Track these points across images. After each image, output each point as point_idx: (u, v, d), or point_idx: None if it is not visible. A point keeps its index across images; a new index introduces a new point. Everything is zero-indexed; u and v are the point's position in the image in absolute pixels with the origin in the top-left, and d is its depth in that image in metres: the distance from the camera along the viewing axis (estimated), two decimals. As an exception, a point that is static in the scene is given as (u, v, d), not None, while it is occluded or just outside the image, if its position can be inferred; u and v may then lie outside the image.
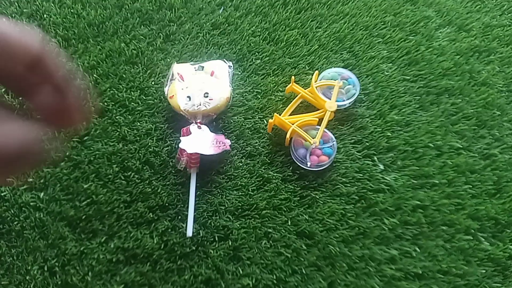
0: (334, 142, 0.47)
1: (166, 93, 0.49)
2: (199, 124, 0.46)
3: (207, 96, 0.47)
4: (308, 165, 0.46)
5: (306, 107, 0.51)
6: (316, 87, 0.50)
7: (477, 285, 0.41)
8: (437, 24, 0.58)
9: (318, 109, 0.49)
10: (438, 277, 0.42)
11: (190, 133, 0.46)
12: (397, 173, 0.47)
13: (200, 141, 0.45)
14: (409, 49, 0.55)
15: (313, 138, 0.46)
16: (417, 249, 0.43)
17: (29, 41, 0.20)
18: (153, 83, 0.52)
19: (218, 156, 0.46)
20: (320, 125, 0.48)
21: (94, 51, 0.54)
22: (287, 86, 0.51)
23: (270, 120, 0.48)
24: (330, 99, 0.49)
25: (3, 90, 0.20)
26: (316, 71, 0.51)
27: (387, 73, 0.53)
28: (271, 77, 0.53)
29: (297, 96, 0.50)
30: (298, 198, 0.46)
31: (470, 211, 0.45)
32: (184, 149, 0.44)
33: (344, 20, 0.58)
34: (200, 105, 0.47)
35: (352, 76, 0.51)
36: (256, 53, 0.55)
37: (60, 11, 0.57)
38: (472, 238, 0.43)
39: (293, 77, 0.51)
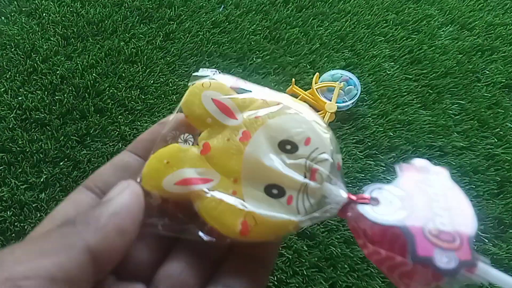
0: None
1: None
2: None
3: None
4: None
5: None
6: (316, 89, 0.49)
7: (480, 286, 0.41)
8: (440, 23, 0.57)
9: (319, 111, 0.49)
10: (441, 278, 0.41)
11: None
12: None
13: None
14: (412, 48, 0.55)
15: None
16: (420, 250, 0.43)
17: None
18: (152, 82, 0.52)
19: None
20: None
21: (93, 49, 0.53)
22: (288, 85, 0.51)
23: None
24: (330, 100, 0.49)
25: None
26: (317, 73, 0.51)
27: (389, 72, 0.53)
28: (272, 76, 0.53)
29: (297, 97, 0.50)
30: (299, 198, 0.45)
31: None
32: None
33: (345, 18, 0.57)
34: None
35: (352, 77, 0.51)
36: (257, 52, 0.54)
37: (59, 9, 0.57)
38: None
39: (293, 79, 0.50)
